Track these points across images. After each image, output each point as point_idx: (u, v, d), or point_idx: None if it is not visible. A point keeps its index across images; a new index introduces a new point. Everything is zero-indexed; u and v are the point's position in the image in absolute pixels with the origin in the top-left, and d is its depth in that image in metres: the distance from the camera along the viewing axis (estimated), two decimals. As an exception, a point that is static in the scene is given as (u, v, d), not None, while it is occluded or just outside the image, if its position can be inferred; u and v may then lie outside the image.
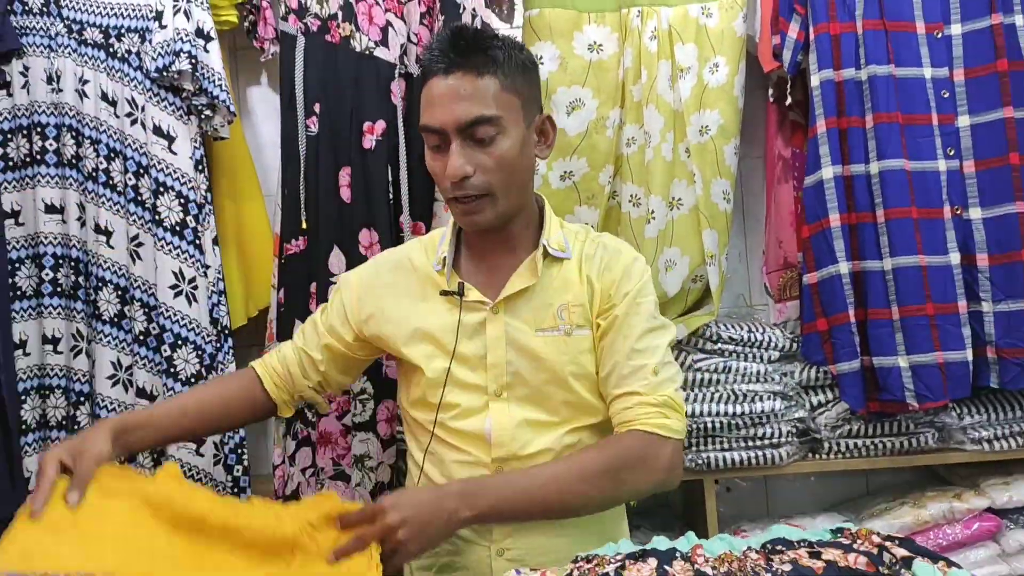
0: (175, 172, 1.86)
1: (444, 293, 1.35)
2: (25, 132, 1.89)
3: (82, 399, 1.87)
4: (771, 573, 0.98)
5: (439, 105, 1.27)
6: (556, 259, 1.36)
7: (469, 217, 1.32)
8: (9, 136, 1.89)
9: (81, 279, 1.89)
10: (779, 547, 1.07)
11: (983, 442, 1.93)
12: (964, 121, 2.00)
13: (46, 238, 1.88)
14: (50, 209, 1.89)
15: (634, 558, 1.05)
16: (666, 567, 1.02)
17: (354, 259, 1.87)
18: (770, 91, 2.11)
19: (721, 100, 1.98)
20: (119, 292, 1.87)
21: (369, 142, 1.89)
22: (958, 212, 1.96)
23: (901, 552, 1.05)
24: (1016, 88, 1.97)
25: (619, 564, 1.04)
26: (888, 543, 1.07)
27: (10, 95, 1.89)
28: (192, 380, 1.82)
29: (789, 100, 2.05)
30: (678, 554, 1.05)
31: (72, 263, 1.88)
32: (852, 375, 1.94)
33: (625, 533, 1.46)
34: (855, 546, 1.07)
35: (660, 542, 1.09)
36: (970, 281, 1.93)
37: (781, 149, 2.17)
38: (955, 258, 1.93)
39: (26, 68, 1.88)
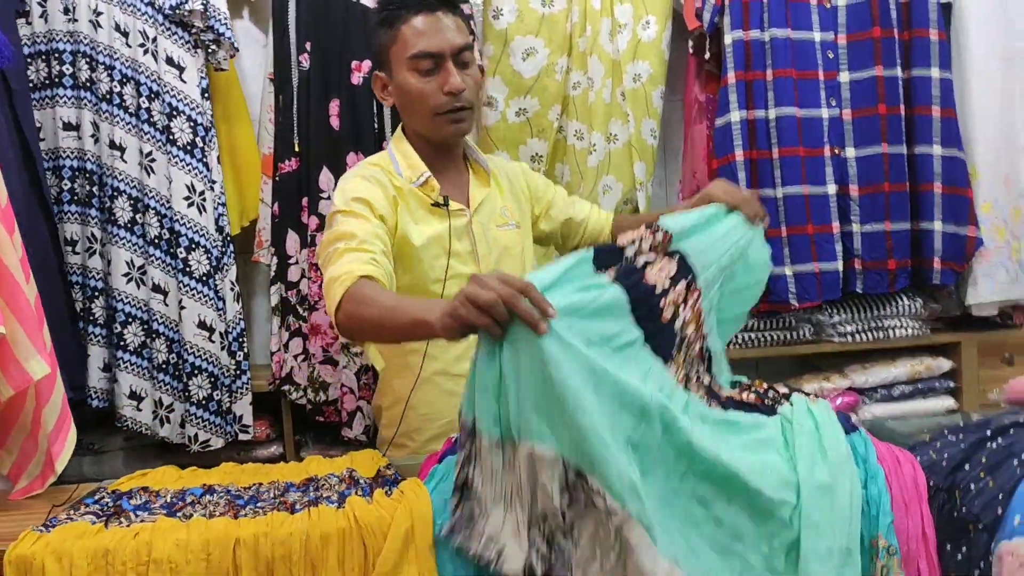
0: (186, 98, 2.13)
1: (436, 205, 1.65)
2: (44, 57, 2.13)
3: (97, 293, 2.15)
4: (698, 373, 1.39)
5: (433, 34, 1.59)
6: (487, 171, 1.74)
7: (457, 126, 1.64)
8: (29, 61, 2.12)
9: (95, 188, 2.15)
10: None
11: (848, 335, 2.42)
12: (844, 77, 2.43)
13: (64, 152, 2.14)
14: (67, 127, 2.14)
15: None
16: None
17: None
18: (690, 45, 2.50)
19: (651, 53, 2.37)
20: (132, 201, 2.14)
21: (357, 78, 2.20)
22: (837, 152, 2.40)
23: (783, 390, 1.48)
24: (886, 51, 2.41)
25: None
26: (773, 388, 1.50)
27: (29, 23, 2.12)
28: (204, 278, 2.12)
29: (707, 54, 2.45)
30: None
31: (87, 175, 2.14)
32: None
33: None
34: (748, 389, 1.50)
35: None
36: (844, 207, 2.39)
37: (698, 94, 2.57)
38: (831, 189, 2.38)
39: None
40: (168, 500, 1.42)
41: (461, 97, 1.62)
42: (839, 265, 2.36)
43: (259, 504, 1.38)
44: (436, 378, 1.66)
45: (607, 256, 1.33)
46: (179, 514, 1.34)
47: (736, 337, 2.43)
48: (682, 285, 1.36)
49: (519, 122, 2.32)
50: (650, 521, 1.13)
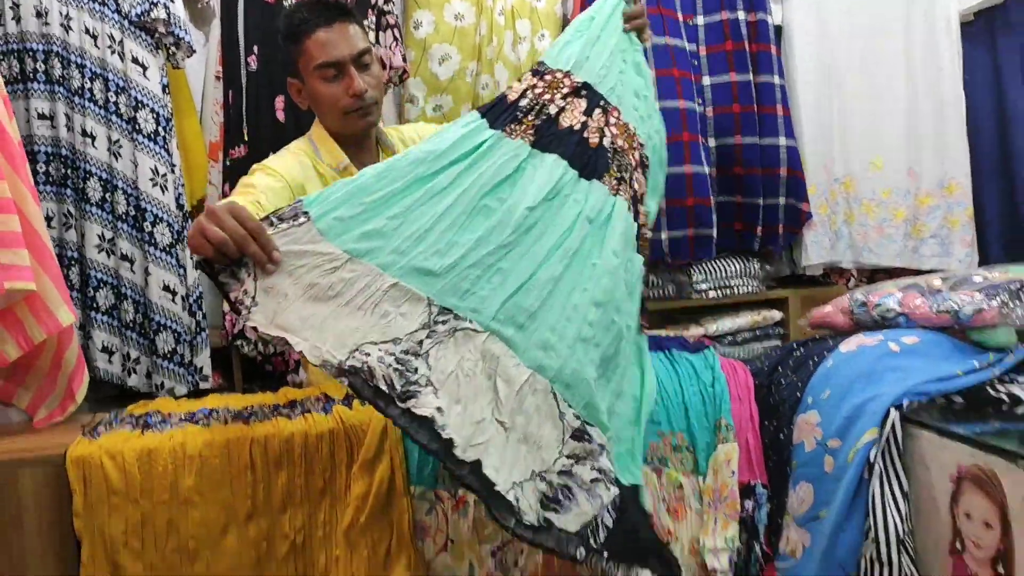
0: (149, 93, 2.46)
1: None
2: (17, 55, 2.40)
3: (72, 263, 2.46)
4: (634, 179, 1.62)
5: (334, 45, 1.86)
6: (392, 151, 2.00)
7: (365, 120, 1.93)
8: (1, 58, 2.39)
9: (69, 171, 2.45)
10: None
11: (703, 292, 2.97)
12: (706, 81, 2.97)
13: (38, 139, 2.43)
14: (41, 116, 2.43)
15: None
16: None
17: (286, 163, 2.57)
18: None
19: (545, 61, 2.84)
20: (102, 182, 2.46)
21: (299, 77, 2.58)
22: (704, 141, 2.93)
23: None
24: (738, 61, 2.95)
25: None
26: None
27: (1, 25, 2.40)
28: (168, 248, 2.45)
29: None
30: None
31: (61, 159, 2.44)
32: None
33: None
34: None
35: None
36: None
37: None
38: (706, 169, 2.89)
39: (16, 4, 2.39)
40: (183, 417, 1.79)
41: (365, 96, 1.89)
42: (714, 232, 2.88)
43: (255, 418, 1.77)
44: None
45: (501, 114, 1.55)
46: (200, 423, 1.72)
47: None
48: (597, 112, 1.60)
49: (436, 116, 2.75)
50: (510, 336, 1.38)
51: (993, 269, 1.83)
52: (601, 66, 1.66)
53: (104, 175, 2.45)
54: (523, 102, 1.59)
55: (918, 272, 2.90)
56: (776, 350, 1.92)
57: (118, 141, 2.45)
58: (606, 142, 1.60)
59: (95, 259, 2.45)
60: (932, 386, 1.56)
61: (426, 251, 1.42)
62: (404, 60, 2.68)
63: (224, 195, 2.61)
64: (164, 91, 2.49)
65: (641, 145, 1.66)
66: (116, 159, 2.45)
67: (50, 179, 2.44)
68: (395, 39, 2.68)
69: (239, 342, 2.63)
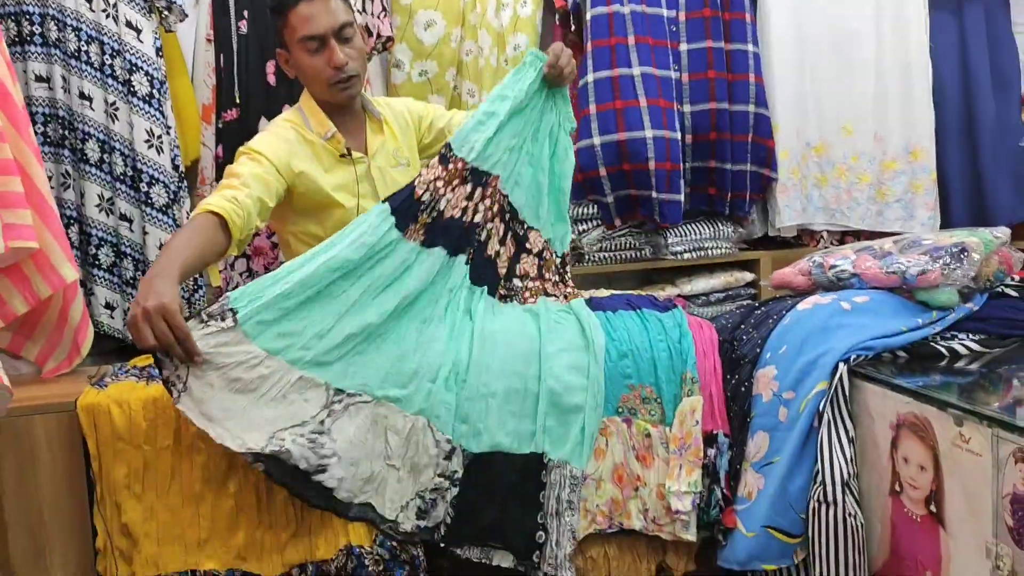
0: (143, 56, 2.53)
1: (342, 156, 2.02)
2: (14, 18, 2.47)
3: (72, 222, 2.55)
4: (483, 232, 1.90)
5: (316, 19, 1.93)
6: (381, 120, 2.11)
7: (347, 92, 2.02)
8: (-2, 20, 2.46)
9: (67, 132, 2.53)
10: None
11: (679, 254, 3.10)
12: (683, 47, 3.05)
13: (36, 100, 2.50)
14: (39, 79, 2.50)
15: None
16: None
17: (277, 126, 2.66)
18: (557, 19, 3.06)
19: (528, 27, 2.93)
20: (100, 144, 2.54)
21: (290, 43, 2.66)
22: (678, 107, 3.02)
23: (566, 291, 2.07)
24: (714, 28, 3.04)
25: None
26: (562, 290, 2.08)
27: (-3, -13, 2.46)
28: (164, 208, 2.54)
29: (572, 27, 3.02)
30: None
31: (59, 120, 2.52)
32: (603, 206, 2.98)
33: None
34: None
35: None
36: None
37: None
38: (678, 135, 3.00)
39: (11, -31, 2.45)
40: (185, 369, 1.91)
41: (346, 68, 1.97)
42: (681, 196, 2.99)
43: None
44: None
45: (406, 212, 1.78)
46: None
47: (595, 256, 3.06)
48: (478, 191, 1.87)
49: (421, 81, 2.84)
50: (398, 395, 1.71)
51: (941, 233, 1.96)
52: (497, 147, 1.90)
53: (102, 136, 2.53)
54: (425, 196, 1.83)
55: (884, 235, 3.03)
56: (739, 309, 2.05)
57: (114, 103, 2.52)
58: (478, 217, 1.90)
59: (95, 218, 2.54)
60: (878, 342, 1.70)
61: (325, 347, 1.68)
62: (391, 28, 2.76)
63: (217, 156, 2.70)
64: (158, 54, 2.56)
65: (505, 196, 1.95)
66: (113, 121, 2.53)
67: (48, 140, 2.52)
68: (383, 8, 2.76)
69: (233, 298, 2.74)
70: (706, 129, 3.05)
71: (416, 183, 1.84)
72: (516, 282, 1.98)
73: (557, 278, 2.04)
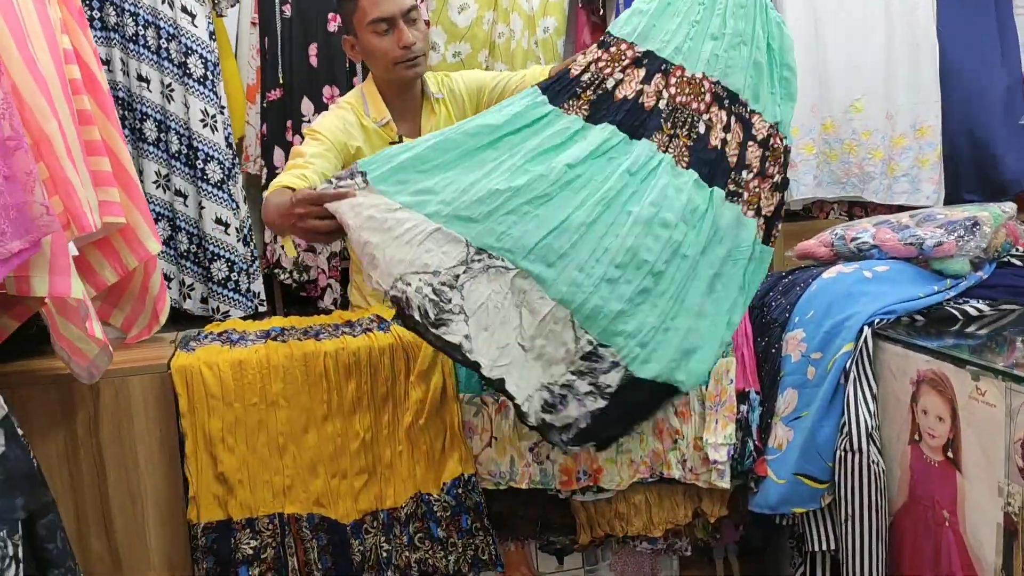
0: (197, 40, 2.66)
1: (392, 143, 2.13)
2: (75, 4, 2.60)
3: (133, 198, 2.70)
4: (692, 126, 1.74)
5: (386, 1, 2.09)
6: (440, 99, 2.28)
7: (414, 70, 2.18)
8: (60, 5, 2.58)
9: (127, 113, 2.67)
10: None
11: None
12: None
13: (97, 83, 2.64)
14: (101, 62, 2.63)
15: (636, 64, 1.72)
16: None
17: (320, 106, 2.81)
18: (580, 3, 3.20)
19: (556, 10, 3.06)
20: (157, 123, 2.68)
21: (333, 26, 2.80)
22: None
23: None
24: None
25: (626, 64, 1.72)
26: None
27: (59, -26, 2.58)
28: (219, 184, 2.69)
29: (600, 11, 3.16)
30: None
31: (119, 102, 2.65)
32: None
33: None
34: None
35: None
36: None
37: (586, 41, 3.28)
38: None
39: (71, -46, 2.57)
40: (258, 334, 2.07)
41: (414, 48, 2.14)
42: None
43: (323, 336, 2.06)
44: None
45: (561, 90, 1.70)
46: (277, 340, 2.00)
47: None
48: (657, 77, 1.73)
49: (455, 63, 2.98)
50: (540, 273, 1.62)
51: (955, 208, 2.13)
52: (667, 32, 1.75)
53: (158, 116, 2.68)
54: (584, 76, 1.73)
55: (891, 207, 3.20)
56: (768, 277, 2.23)
57: (170, 85, 2.66)
58: (662, 104, 1.73)
59: (152, 194, 2.69)
60: (899, 306, 1.88)
61: (468, 201, 1.63)
62: (426, 12, 2.89)
63: (262, 135, 2.85)
64: (211, 38, 2.70)
65: (716, 83, 1.76)
66: (169, 102, 2.67)
67: (109, 120, 2.66)
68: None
69: (276, 271, 2.90)
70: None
71: (570, 65, 1.75)
72: (744, 174, 1.77)
73: (779, 177, 1.82)
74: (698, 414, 2.01)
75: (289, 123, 2.84)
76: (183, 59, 2.66)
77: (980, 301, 1.94)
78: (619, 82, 1.73)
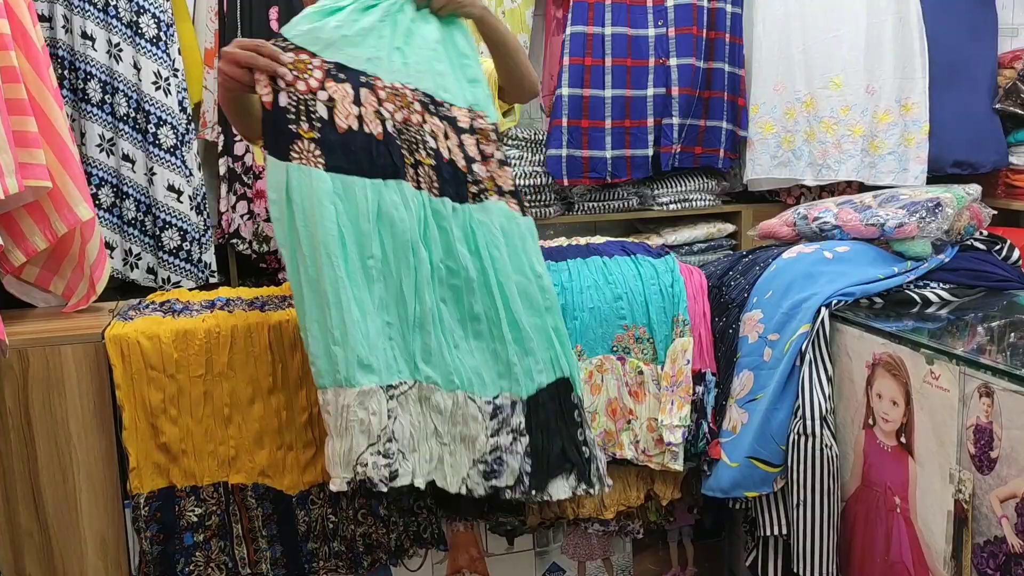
0: (149, -1, 2.57)
1: None
2: (17, -44, 2.49)
3: (75, 161, 2.60)
4: (423, 144, 1.66)
5: None
6: None
7: None
8: (2, -41, 2.48)
9: (67, 72, 2.57)
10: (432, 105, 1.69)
11: (664, 205, 3.22)
12: (670, 2, 3.13)
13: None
14: (40, 18, 2.53)
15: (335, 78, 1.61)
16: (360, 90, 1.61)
17: (278, 71, 2.71)
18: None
19: (523, -20, 2.99)
20: (102, 84, 2.58)
21: (292, -11, 2.71)
22: (662, 61, 3.11)
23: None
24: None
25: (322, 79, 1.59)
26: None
27: (3, -75, 2.47)
28: (172, 150, 2.60)
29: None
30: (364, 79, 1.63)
31: (59, 60, 2.55)
32: (554, 159, 3.07)
33: None
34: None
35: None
36: (666, 104, 3.14)
37: (555, 13, 3.22)
38: (651, 92, 3.11)
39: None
40: (203, 304, 2.00)
41: None
42: (649, 151, 3.12)
43: (268, 307, 1.99)
44: None
45: (280, 136, 1.58)
46: (223, 311, 1.93)
47: (584, 206, 3.17)
48: (365, 93, 1.62)
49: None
50: (428, 374, 1.66)
51: (918, 188, 2.09)
52: (351, 43, 1.65)
53: (104, 77, 2.58)
54: (285, 102, 1.59)
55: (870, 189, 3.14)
56: (728, 256, 2.18)
57: (118, 44, 2.56)
58: (389, 127, 1.65)
59: (95, 158, 2.60)
60: (857, 288, 1.84)
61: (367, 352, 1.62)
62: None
63: (218, 101, 2.75)
64: (164, -2, 2.61)
65: (414, 90, 1.69)
66: (116, 62, 2.57)
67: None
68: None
69: (234, 240, 2.81)
70: (691, 86, 3.15)
71: (260, 92, 1.59)
72: (476, 168, 1.73)
73: (499, 154, 1.77)
74: (652, 395, 1.97)
75: (246, 89, 2.74)
76: (134, 18, 2.56)
77: (940, 285, 1.90)
78: (331, 108, 1.61)
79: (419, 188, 1.68)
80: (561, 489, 1.74)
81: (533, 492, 1.71)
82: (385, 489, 1.64)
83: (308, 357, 1.64)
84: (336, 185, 1.60)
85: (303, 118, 1.59)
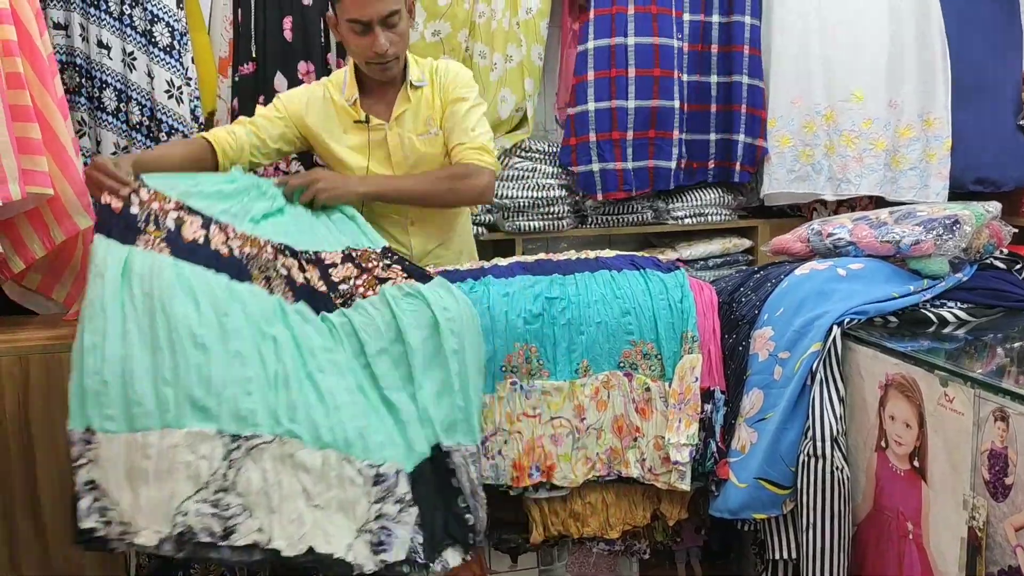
0: (164, 7, 2.56)
1: (356, 122, 2.17)
2: (34, -34, 2.50)
3: (88, 169, 2.60)
4: (275, 270, 1.75)
5: (366, 6, 2.00)
6: (419, 87, 2.20)
7: (386, 73, 2.13)
8: (19, -34, 2.49)
9: (84, 80, 2.57)
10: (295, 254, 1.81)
11: (679, 219, 3.17)
12: (686, 17, 3.10)
13: (54, 47, 2.54)
14: (57, 26, 2.54)
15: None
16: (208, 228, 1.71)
17: (293, 81, 2.72)
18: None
19: (537, -9, 2.97)
20: (117, 92, 2.59)
21: (309, 0, 2.70)
22: (678, 76, 3.07)
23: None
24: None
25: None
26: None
27: (20, -66, 2.49)
28: (181, 158, 2.60)
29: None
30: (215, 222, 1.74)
31: (76, 68, 2.56)
32: (587, 174, 3.03)
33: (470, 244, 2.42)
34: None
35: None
36: (679, 119, 3.09)
37: (571, 25, 3.19)
38: (676, 103, 3.06)
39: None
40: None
41: (386, 55, 2.07)
42: (672, 164, 3.07)
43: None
44: None
45: (127, 227, 1.64)
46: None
47: (598, 219, 3.13)
48: (214, 228, 1.74)
49: (434, 41, 2.88)
50: (292, 429, 1.56)
51: (935, 205, 2.04)
52: (216, 209, 1.79)
53: (119, 85, 2.58)
54: (134, 210, 1.69)
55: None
56: (739, 272, 2.14)
57: (132, 53, 2.56)
58: (235, 251, 1.74)
59: (110, 166, 2.60)
60: (871, 307, 1.79)
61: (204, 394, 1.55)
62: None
63: (233, 109, 2.76)
64: (178, 6, 2.60)
65: (268, 241, 1.81)
66: (131, 71, 2.57)
67: (64, 88, 2.55)
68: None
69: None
70: (706, 100, 3.11)
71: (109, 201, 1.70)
72: (343, 287, 1.81)
73: (386, 261, 1.88)
74: (660, 412, 1.93)
75: (261, 98, 2.74)
76: (148, 27, 2.56)
77: (958, 304, 1.85)
78: (180, 224, 1.70)
79: (272, 294, 1.72)
80: (454, 558, 1.68)
81: (429, 566, 1.63)
82: (215, 546, 1.50)
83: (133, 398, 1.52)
84: (183, 268, 1.63)
85: (152, 223, 1.67)
